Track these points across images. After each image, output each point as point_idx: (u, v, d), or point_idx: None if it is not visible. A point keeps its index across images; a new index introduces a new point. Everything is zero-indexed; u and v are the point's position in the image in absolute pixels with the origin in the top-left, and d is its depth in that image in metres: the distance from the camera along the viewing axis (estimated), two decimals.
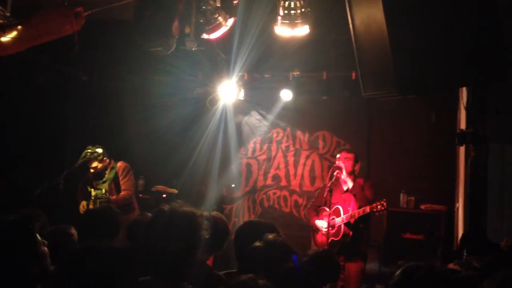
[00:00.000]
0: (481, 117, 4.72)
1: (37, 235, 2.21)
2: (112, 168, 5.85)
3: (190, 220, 2.24)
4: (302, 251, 6.41)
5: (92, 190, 5.81)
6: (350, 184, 5.23)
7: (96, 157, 5.69)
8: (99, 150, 5.74)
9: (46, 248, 2.31)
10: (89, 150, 5.70)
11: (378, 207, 5.01)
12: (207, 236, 2.30)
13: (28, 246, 2.15)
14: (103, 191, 5.76)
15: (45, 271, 2.24)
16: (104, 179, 5.83)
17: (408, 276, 2.02)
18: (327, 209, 5.11)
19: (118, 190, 5.82)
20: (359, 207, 5.10)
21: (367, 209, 5.03)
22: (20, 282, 2.08)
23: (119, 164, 5.89)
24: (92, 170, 5.77)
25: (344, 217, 5.11)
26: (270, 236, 2.71)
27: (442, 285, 1.95)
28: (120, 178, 5.82)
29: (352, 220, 5.10)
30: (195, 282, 2.31)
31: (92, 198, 5.73)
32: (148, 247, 2.21)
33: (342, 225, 5.12)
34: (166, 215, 2.25)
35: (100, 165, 5.75)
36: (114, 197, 5.73)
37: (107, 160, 5.82)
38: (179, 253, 2.19)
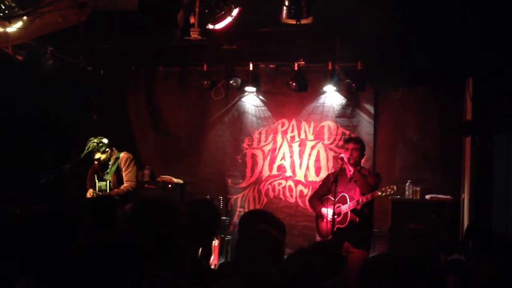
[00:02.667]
0: (487, 107, 4.70)
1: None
2: (116, 158, 5.83)
3: (165, 207, 2.25)
4: (308, 241, 6.48)
5: (97, 181, 5.83)
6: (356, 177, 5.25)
7: (98, 149, 5.69)
8: (105, 141, 5.74)
9: None
10: (95, 141, 5.70)
11: (388, 190, 5.02)
12: (186, 222, 2.30)
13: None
14: (107, 182, 5.77)
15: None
16: (108, 170, 5.84)
17: (372, 267, 2.01)
18: (332, 198, 5.12)
19: (120, 181, 5.80)
20: (362, 194, 5.11)
21: (376, 193, 5.04)
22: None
23: (122, 155, 5.86)
24: (96, 162, 5.78)
25: (351, 204, 5.12)
26: (259, 227, 2.72)
27: (406, 274, 1.93)
28: (123, 169, 5.79)
29: (358, 207, 5.11)
30: (182, 272, 2.31)
31: (96, 190, 5.76)
32: (125, 236, 2.22)
33: (349, 212, 5.13)
34: (141, 205, 2.26)
35: (103, 156, 5.75)
36: (115, 190, 5.72)
37: (109, 151, 5.80)
38: (158, 240, 2.20)
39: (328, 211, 5.20)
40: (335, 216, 5.13)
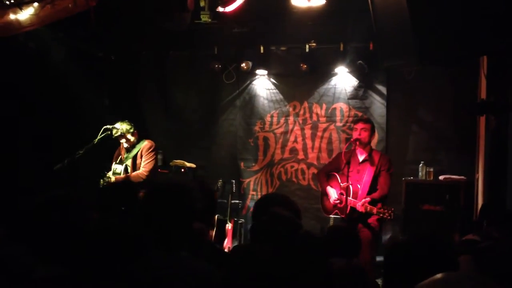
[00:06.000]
0: (502, 86, 4.63)
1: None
2: (138, 144, 5.78)
3: (182, 190, 2.27)
4: (321, 224, 6.49)
5: (115, 164, 5.79)
6: (367, 158, 5.25)
7: (126, 132, 5.66)
8: (125, 126, 5.71)
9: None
10: (115, 126, 5.68)
11: (385, 214, 4.95)
12: (199, 205, 2.32)
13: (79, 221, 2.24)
14: (124, 166, 5.73)
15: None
16: (128, 154, 5.82)
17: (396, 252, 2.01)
18: (339, 179, 5.19)
19: (135, 168, 5.74)
20: (373, 181, 5.13)
21: (374, 210, 5.00)
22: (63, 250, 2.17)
23: (146, 143, 5.79)
24: (125, 145, 5.76)
25: (353, 202, 5.11)
26: (275, 210, 2.73)
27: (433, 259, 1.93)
28: (143, 157, 5.68)
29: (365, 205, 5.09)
30: (194, 252, 2.35)
31: (111, 172, 5.74)
32: (145, 221, 2.24)
33: (349, 207, 5.15)
34: (159, 188, 2.27)
35: (133, 139, 5.73)
36: (124, 176, 5.62)
37: (137, 135, 5.79)
38: (175, 224, 2.23)
39: (333, 194, 5.31)
40: (337, 202, 5.24)
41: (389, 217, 4.98)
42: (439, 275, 1.47)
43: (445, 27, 3.06)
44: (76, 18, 4.79)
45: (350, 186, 5.16)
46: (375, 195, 5.12)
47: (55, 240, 2.18)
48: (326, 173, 5.53)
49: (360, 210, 5.05)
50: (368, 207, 5.01)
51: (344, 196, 5.16)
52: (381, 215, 4.97)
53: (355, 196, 5.15)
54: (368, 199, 5.06)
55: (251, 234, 2.70)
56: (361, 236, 5.04)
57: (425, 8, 3.02)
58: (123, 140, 5.71)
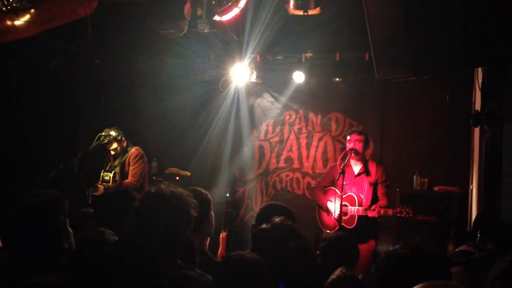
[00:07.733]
0: (496, 97, 4.65)
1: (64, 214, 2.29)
2: (126, 152, 5.82)
3: (178, 199, 2.25)
4: (315, 233, 6.49)
5: (104, 172, 5.82)
6: (363, 170, 5.21)
7: (113, 139, 5.68)
8: (113, 133, 5.74)
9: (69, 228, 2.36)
10: (103, 133, 5.71)
11: (403, 213, 4.95)
12: (195, 215, 2.30)
13: (59, 224, 2.22)
14: (113, 174, 5.74)
15: (71, 248, 2.30)
16: (116, 162, 5.84)
17: (392, 260, 2.01)
18: (338, 192, 5.07)
19: (123, 175, 5.79)
20: (374, 192, 5.07)
21: (389, 212, 4.99)
22: (50, 257, 2.16)
23: (132, 150, 5.84)
24: (112, 152, 5.78)
25: (360, 210, 5.05)
26: (277, 219, 2.73)
27: (427, 269, 1.94)
28: (131, 165, 5.76)
29: (369, 214, 5.04)
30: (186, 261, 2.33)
31: (100, 181, 5.76)
32: (136, 230, 2.22)
33: (356, 216, 5.09)
34: (154, 197, 2.25)
35: (120, 147, 5.75)
36: (113, 185, 5.68)
37: (125, 142, 5.82)
38: (169, 233, 2.20)
39: (335, 208, 5.14)
40: (342, 216, 5.11)
41: (410, 215, 4.93)
42: (421, 284, 1.48)
43: (440, 38, 3.08)
44: (73, 25, 4.79)
45: (354, 195, 5.13)
46: (382, 203, 5.10)
47: (43, 246, 2.17)
48: (322, 189, 5.46)
49: (371, 215, 5.00)
50: (382, 211, 4.98)
51: (349, 207, 5.11)
52: (400, 214, 4.94)
53: (360, 205, 5.11)
54: (380, 203, 5.04)
55: (253, 242, 2.69)
56: (362, 247, 5.02)
57: (421, 19, 3.04)
58: (111, 147, 5.75)
